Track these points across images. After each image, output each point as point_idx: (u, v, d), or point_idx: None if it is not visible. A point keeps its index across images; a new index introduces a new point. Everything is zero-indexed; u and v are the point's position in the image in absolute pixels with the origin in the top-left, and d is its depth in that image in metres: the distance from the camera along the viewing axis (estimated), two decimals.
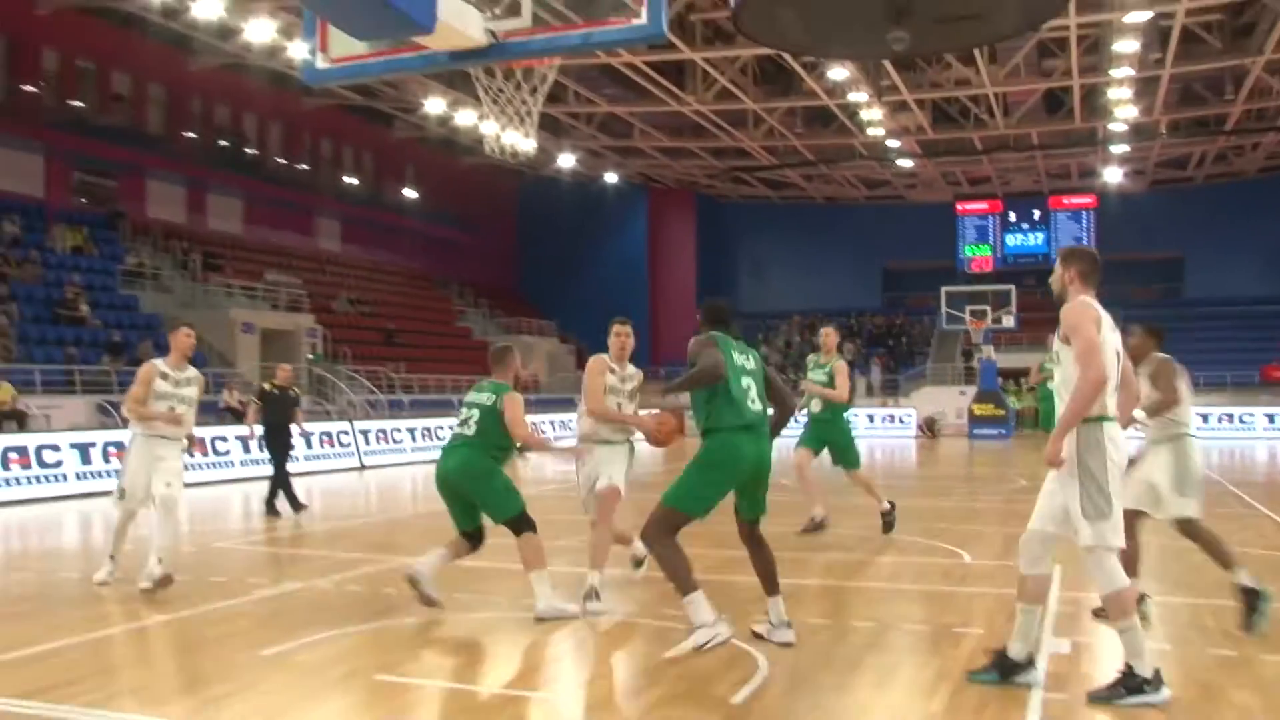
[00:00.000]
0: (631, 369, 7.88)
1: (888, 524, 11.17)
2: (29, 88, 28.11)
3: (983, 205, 44.84)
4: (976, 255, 44.29)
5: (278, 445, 14.18)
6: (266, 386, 14.57)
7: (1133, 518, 7.03)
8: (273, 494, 14.05)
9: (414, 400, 30.19)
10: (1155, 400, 7.00)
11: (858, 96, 30.68)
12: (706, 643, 5.67)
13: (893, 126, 34.62)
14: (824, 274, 47.70)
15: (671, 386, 6.11)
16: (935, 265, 43.65)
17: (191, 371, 8.78)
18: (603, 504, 7.62)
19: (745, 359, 6.25)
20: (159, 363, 8.70)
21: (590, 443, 7.76)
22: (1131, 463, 7.13)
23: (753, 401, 6.16)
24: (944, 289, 38.03)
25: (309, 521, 13.45)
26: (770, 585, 6.41)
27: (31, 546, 12.32)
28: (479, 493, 7.28)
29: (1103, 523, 5.19)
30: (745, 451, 6.04)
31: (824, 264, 47.78)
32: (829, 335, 11.19)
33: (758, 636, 6.42)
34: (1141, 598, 6.96)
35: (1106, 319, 5.32)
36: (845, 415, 11.25)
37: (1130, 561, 7.00)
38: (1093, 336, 5.20)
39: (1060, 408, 5.30)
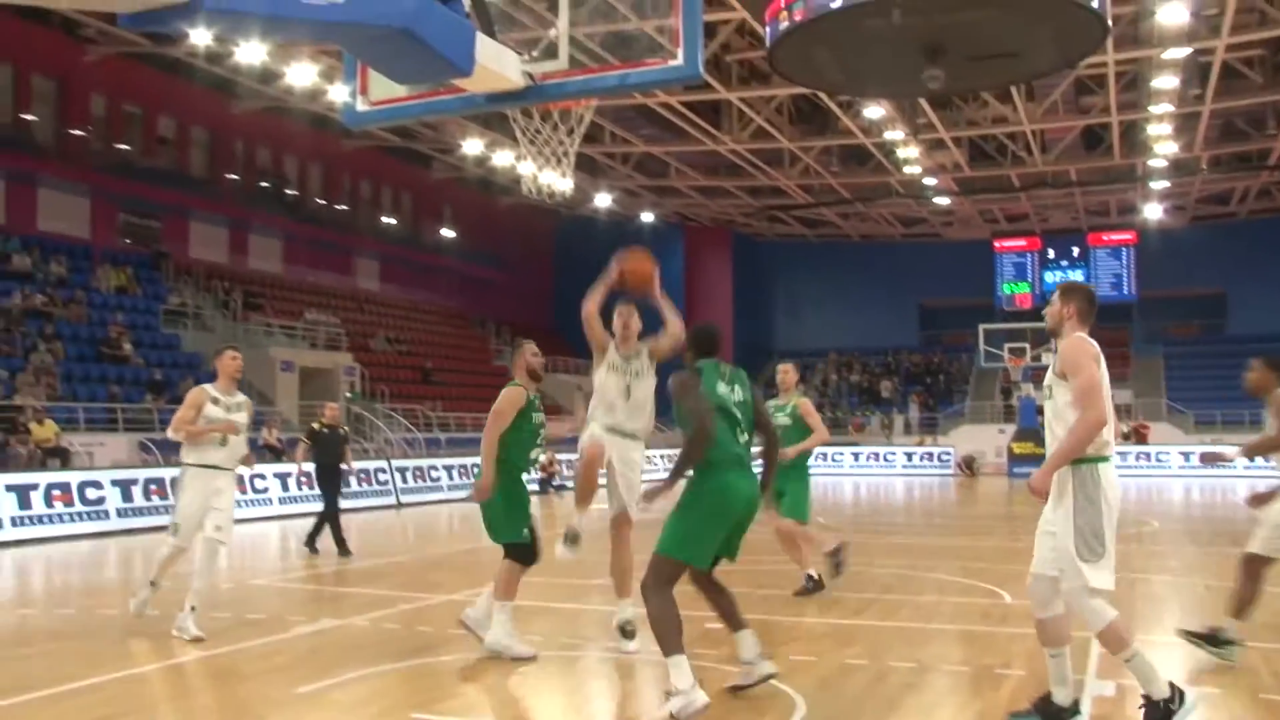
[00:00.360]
0: (640, 346, 7.54)
1: (836, 565, 9.62)
2: (77, 132, 28.68)
3: (1021, 242, 44.62)
4: (1015, 292, 44.03)
5: (328, 484, 14.15)
6: (315, 425, 14.48)
7: (1262, 563, 6.94)
8: (316, 531, 14.05)
9: (451, 438, 30.29)
10: (1261, 440, 6.86)
11: (894, 135, 30.73)
12: (682, 709, 5.47)
13: (929, 164, 34.60)
14: (860, 311, 47.60)
15: (670, 479, 5.80)
16: (973, 303, 43.42)
17: (241, 397, 8.56)
18: (617, 532, 7.46)
19: (732, 390, 5.99)
20: (209, 388, 8.43)
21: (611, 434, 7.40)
22: (1261, 500, 7.06)
23: (741, 433, 5.94)
24: (982, 326, 37.81)
25: (348, 560, 13.49)
26: (734, 622, 6.09)
27: (73, 582, 12.44)
28: (483, 507, 7.19)
29: (1095, 564, 5.11)
30: (738, 488, 5.80)
31: (860, 302, 47.69)
32: (787, 373, 9.94)
33: (737, 690, 6.07)
34: (1231, 641, 6.82)
35: (1101, 356, 5.30)
36: (807, 463, 9.79)
37: (1246, 604, 6.90)
38: (1095, 375, 5.15)
39: (1050, 441, 5.27)
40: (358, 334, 34.38)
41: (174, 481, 8.32)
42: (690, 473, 5.86)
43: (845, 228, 46.44)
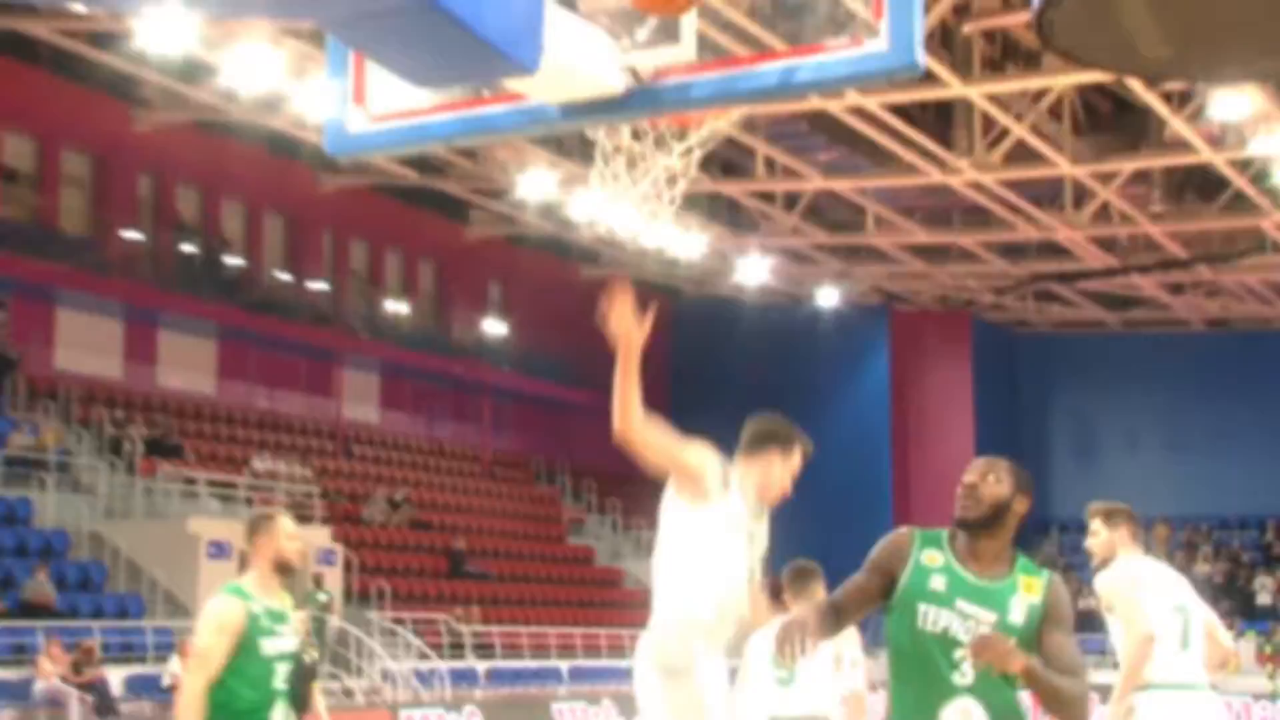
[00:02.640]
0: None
1: None
2: None
3: None
4: None
5: None
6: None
7: None
8: None
9: (495, 669, 30.18)
10: None
11: (1267, 146, 30.28)
12: None
13: None
14: (1211, 456, 46.62)
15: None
16: None
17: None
18: None
19: None
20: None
21: None
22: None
23: None
24: None
25: None
26: None
27: None
28: None
29: None
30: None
31: (1207, 435, 46.74)
32: None
33: None
34: None
35: (1165, 575, 7.12)
36: None
37: None
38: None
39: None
40: (340, 494, 34.84)
41: None
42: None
43: (1178, 308, 45.91)
